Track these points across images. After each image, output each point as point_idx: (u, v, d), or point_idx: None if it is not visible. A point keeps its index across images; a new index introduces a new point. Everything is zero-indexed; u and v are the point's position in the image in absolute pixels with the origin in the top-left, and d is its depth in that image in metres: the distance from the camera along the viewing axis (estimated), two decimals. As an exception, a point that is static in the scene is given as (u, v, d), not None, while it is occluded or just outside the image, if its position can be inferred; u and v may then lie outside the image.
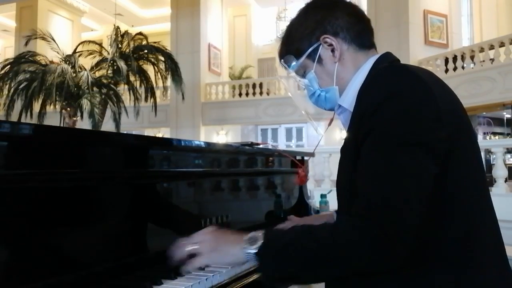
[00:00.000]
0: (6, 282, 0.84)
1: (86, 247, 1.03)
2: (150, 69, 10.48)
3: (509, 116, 13.18)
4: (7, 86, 9.87)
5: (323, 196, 2.12)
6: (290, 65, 1.07)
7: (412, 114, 0.81)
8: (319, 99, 1.06)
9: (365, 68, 0.99)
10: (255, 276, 1.14)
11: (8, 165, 0.88)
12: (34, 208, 0.92)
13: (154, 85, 10.60)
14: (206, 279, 1.04)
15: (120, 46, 10.29)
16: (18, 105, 9.75)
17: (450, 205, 0.85)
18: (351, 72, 1.01)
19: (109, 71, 10.09)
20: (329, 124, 1.26)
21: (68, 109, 9.62)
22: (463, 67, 9.83)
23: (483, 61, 9.48)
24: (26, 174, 0.90)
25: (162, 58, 10.35)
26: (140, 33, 10.72)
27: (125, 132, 6.32)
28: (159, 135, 14.00)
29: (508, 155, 12.24)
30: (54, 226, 0.96)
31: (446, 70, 9.95)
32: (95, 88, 9.68)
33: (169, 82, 11.03)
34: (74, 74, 9.42)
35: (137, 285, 1.02)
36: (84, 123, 9.37)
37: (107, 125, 9.72)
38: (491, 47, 9.35)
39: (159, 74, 10.42)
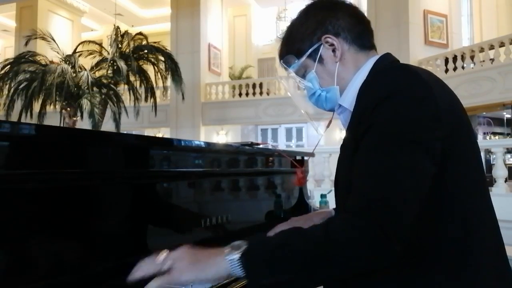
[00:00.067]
0: (6, 282, 0.84)
1: (86, 247, 1.03)
2: (150, 69, 10.48)
3: (509, 116, 13.18)
4: (7, 86, 9.87)
5: (323, 196, 2.12)
6: (291, 65, 1.07)
7: (412, 113, 0.82)
8: (319, 99, 1.06)
9: (366, 68, 0.99)
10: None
11: (8, 165, 0.88)
12: (34, 208, 0.92)
13: (154, 85, 10.60)
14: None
15: (120, 46, 10.29)
16: (18, 105, 9.74)
17: (449, 205, 0.85)
18: (352, 72, 1.02)
19: (109, 71, 10.09)
20: (328, 126, 1.26)
21: (68, 109, 9.62)
22: (463, 67, 9.83)
23: (483, 61, 9.48)
24: (26, 174, 0.90)
25: (162, 58, 10.35)
26: (140, 33, 10.72)
27: (125, 132, 6.32)
28: (159, 135, 14.01)
29: (508, 155, 12.24)
30: (54, 226, 0.96)
31: (446, 70, 9.95)
32: (95, 88, 9.68)
33: (169, 82, 11.03)
34: (74, 74, 9.42)
35: (137, 285, 1.02)
36: (84, 123, 9.37)
37: (107, 125, 9.72)
38: (491, 47, 9.35)
39: (159, 74, 10.42)
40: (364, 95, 0.90)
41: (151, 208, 1.26)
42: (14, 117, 9.63)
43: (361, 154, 0.84)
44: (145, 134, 13.48)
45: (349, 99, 1.00)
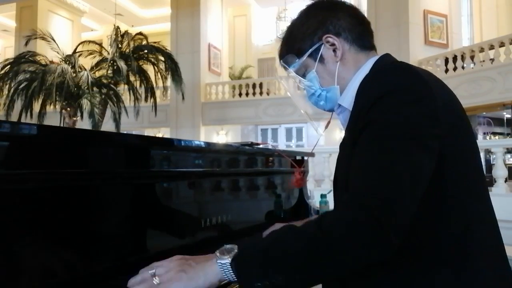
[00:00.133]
0: (6, 282, 0.84)
1: (86, 247, 1.03)
2: (150, 69, 10.48)
3: (509, 116, 13.19)
4: (7, 86, 9.87)
5: (323, 196, 2.12)
6: (291, 65, 1.07)
7: (410, 110, 0.82)
8: (319, 99, 1.06)
9: (365, 68, 1.00)
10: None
11: (8, 165, 0.88)
12: (34, 208, 0.92)
13: (154, 85, 10.60)
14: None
15: (120, 46, 10.29)
16: (18, 105, 9.75)
17: (448, 205, 0.85)
18: (352, 72, 1.02)
19: (109, 71, 10.09)
20: (326, 126, 1.26)
21: (68, 109, 9.62)
22: (463, 67, 9.83)
23: (483, 61, 9.48)
24: (26, 174, 0.90)
25: (162, 58, 10.36)
26: (140, 33, 10.73)
27: (125, 132, 6.32)
28: (159, 135, 14.01)
29: (508, 155, 12.24)
30: (54, 226, 0.96)
31: (446, 70, 9.95)
32: (95, 88, 9.69)
33: (169, 82, 11.03)
34: (74, 74, 9.42)
35: None
36: (84, 123, 9.37)
37: (107, 125, 9.72)
38: (491, 47, 9.35)
39: (159, 74, 10.43)
40: (363, 93, 0.90)
41: (151, 208, 1.26)
42: (14, 117, 9.64)
43: (359, 150, 0.84)
44: (145, 134, 13.48)
45: (348, 99, 1.01)
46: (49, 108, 9.87)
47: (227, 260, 0.76)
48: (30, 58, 9.96)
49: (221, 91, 13.87)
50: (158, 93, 11.77)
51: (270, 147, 2.76)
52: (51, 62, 9.83)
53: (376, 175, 0.78)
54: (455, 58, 9.97)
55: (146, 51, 10.43)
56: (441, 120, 0.83)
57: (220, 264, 0.77)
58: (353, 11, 1.05)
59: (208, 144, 1.58)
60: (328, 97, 1.05)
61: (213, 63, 14.04)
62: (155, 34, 14.65)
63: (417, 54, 10.42)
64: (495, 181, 5.68)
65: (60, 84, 9.03)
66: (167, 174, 1.35)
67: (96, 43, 10.90)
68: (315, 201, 2.24)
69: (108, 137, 1.23)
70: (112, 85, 9.98)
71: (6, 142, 0.87)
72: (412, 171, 0.78)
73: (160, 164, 1.35)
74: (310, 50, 1.03)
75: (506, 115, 13.27)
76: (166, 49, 10.70)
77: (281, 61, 1.10)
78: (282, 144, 14.46)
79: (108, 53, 10.32)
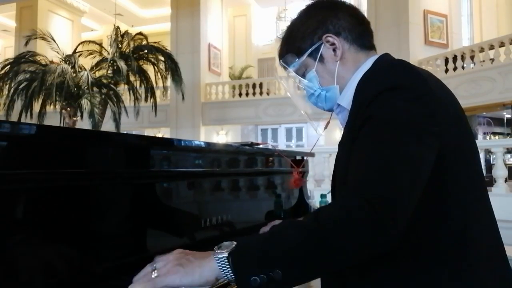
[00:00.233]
0: (7, 282, 0.84)
1: (86, 247, 1.03)
2: (150, 69, 10.49)
3: (509, 116, 13.19)
4: (7, 86, 9.88)
5: (323, 196, 2.12)
6: (291, 64, 1.07)
7: (409, 106, 0.81)
8: (319, 99, 1.06)
9: (365, 68, 1.00)
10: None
11: (8, 165, 0.88)
12: (34, 208, 0.92)
13: (154, 85, 10.61)
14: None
15: (120, 46, 10.29)
16: (18, 105, 9.75)
17: (447, 205, 0.85)
18: (351, 72, 1.02)
19: (109, 71, 10.10)
20: (326, 126, 1.26)
21: (68, 109, 9.62)
22: (463, 67, 9.84)
23: (483, 61, 9.49)
24: (26, 174, 0.90)
25: (162, 58, 10.36)
26: (140, 33, 10.73)
27: (125, 132, 6.32)
28: (159, 135, 14.01)
29: (508, 155, 12.25)
30: (54, 226, 0.96)
31: (446, 70, 9.95)
32: (95, 88, 9.69)
33: (169, 82, 11.04)
34: (74, 74, 9.42)
35: None
36: (84, 123, 9.37)
37: (107, 125, 9.73)
38: (491, 47, 9.35)
39: (159, 74, 10.43)
40: (362, 91, 0.90)
41: (151, 208, 1.26)
42: (14, 117, 9.64)
43: (357, 145, 0.83)
44: (145, 134, 13.48)
45: (347, 99, 1.01)
46: (49, 108, 9.88)
47: (224, 254, 0.75)
48: (30, 58, 9.97)
49: (221, 91, 13.87)
50: (158, 93, 11.77)
51: (270, 147, 2.76)
52: (51, 62, 9.83)
53: (374, 169, 0.77)
54: (455, 58, 9.97)
55: (146, 51, 10.44)
56: (439, 119, 0.83)
57: (217, 259, 0.75)
58: (353, 11, 1.05)
59: (208, 144, 1.58)
60: (328, 96, 1.05)
61: (213, 63, 14.05)
62: (155, 34, 14.65)
63: (417, 54, 10.42)
64: (495, 181, 5.68)
65: (60, 84, 9.03)
66: (167, 174, 1.35)
67: (96, 43, 10.91)
68: (315, 201, 2.24)
69: (108, 137, 1.23)
70: (112, 85, 9.98)
71: (6, 142, 0.87)
72: (411, 165, 0.77)
73: (160, 164, 1.35)
74: (310, 50, 1.03)
75: (506, 115, 13.27)
76: (166, 49, 10.71)
77: (281, 60, 1.09)
78: (282, 144, 14.46)
79: (108, 53, 10.32)
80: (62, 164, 0.99)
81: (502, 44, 9.20)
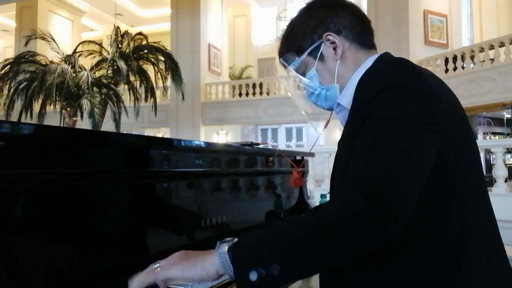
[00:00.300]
0: (7, 282, 0.84)
1: (86, 247, 1.03)
2: (150, 69, 10.48)
3: (509, 116, 13.19)
4: (7, 86, 9.88)
5: (323, 196, 2.12)
6: (291, 63, 1.06)
7: (410, 104, 0.81)
8: (319, 98, 1.05)
9: (365, 67, 0.99)
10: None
11: (8, 165, 0.88)
12: (34, 208, 0.92)
13: (154, 85, 10.60)
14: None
15: (120, 46, 10.29)
16: (18, 105, 9.75)
17: (447, 205, 0.85)
18: (352, 71, 1.02)
19: (109, 71, 10.09)
20: (326, 125, 1.26)
21: (68, 109, 9.62)
22: (463, 67, 9.83)
23: (483, 61, 9.48)
24: (26, 174, 0.90)
25: (162, 58, 10.36)
26: (140, 33, 10.72)
27: (125, 132, 6.32)
28: (159, 135, 14.01)
29: (508, 155, 12.24)
30: (54, 226, 0.96)
31: (446, 70, 9.95)
32: (95, 88, 9.69)
33: (169, 82, 11.03)
34: (74, 74, 9.42)
35: None
36: (84, 123, 9.37)
37: (107, 125, 9.72)
38: (491, 47, 9.35)
39: (159, 74, 10.42)
40: (362, 89, 0.89)
41: (151, 208, 1.26)
42: (14, 117, 9.63)
43: (358, 143, 0.83)
44: (145, 134, 13.48)
45: (347, 98, 1.00)
46: (49, 108, 9.87)
47: (225, 248, 0.77)
48: (30, 58, 9.96)
49: (221, 91, 13.87)
50: (158, 93, 11.77)
51: (270, 147, 2.76)
52: (51, 62, 9.83)
53: (373, 166, 0.77)
54: (455, 58, 9.97)
55: (146, 51, 10.43)
56: (440, 118, 0.83)
57: (218, 254, 0.77)
58: (354, 9, 1.05)
59: (208, 144, 1.58)
60: (328, 95, 1.04)
61: (213, 63, 14.04)
62: (155, 34, 14.65)
63: (417, 54, 10.41)
64: (495, 181, 5.67)
65: (60, 84, 9.02)
66: (167, 174, 1.35)
67: (96, 43, 10.90)
68: (315, 201, 2.24)
69: (108, 137, 1.23)
70: (112, 85, 9.98)
71: (6, 142, 0.87)
72: (411, 163, 0.77)
73: (160, 164, 1.35)
74: (310, 48, 1.02)
75: (506, 115, 13.27)
76: (166, 49, 10.70)
77: (281, 59, 1.09)
78: (282, 144, 14.45)
79: (108, 53, 10.32)
80: (62, 164, 0.99)
81: (502, 44, 9.20)
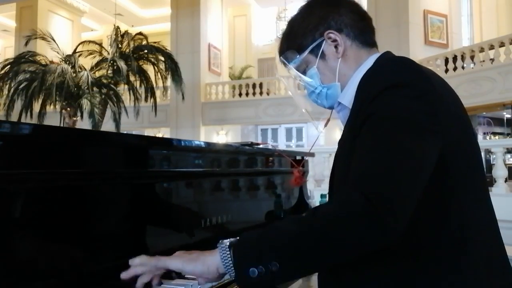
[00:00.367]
0: (6, 282, 0.84)
1: (86, 247, 1.03)
2: (150, 69, 10.48)
3: (509, 116, 13.18)
4: (7, 86, 9.88)
5: (323, 196, 2.12)
6: (291, 61, 1.05)
7: (411, 103, 0.81)
8: (319, 96, 1.05)
9: (367, 65, 0.98)
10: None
11: (8, 165, 0.88)
12: (33, 208, 0.92)
13: (154, 85, 10.60)
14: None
15: (120, 46, 10.29)
16: (18, 105, 9.75)
17: (448, 204, 0.84)
18: (353, 69, 1.01)
19: (109, 71, 10.09)
20: (325, 125, 1.25)
21: (68, 109, 9.62)
22: (463, 67, 9.83)
23: (483, 61, 9.48)
24: (26, 174, 0.90)
25: (162, 58, 10.35)
26: (140, 33, 10.72)
27: (125, 132, 6.32)
28: (159, 135, 14.00)
29: (508, 155, 12.24)
30: (54, 226, 0.96)
31: (446, 70, 9.94)
32: (95, 88, 9.69)
33: (169, 82, 11.03)
34: (74, 74, 9.42)
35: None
36: (84, 123, 9.37)
37: (107, 125, 9.72)
38: (491, 47, 9.35)
39: (159, 74, 10.42)
40: (364, 88, 0.89)
41: (151, 208, 1.26)
42: (14, 117, 9.63)
43: (359, 142, 0.83)
44: (145, 134, 13.48)
45: (348, 97, 0.99)
46: (49, 108, 9.87)
47: (226, 244, 0.78)
48: (30, 58, 9.96)
49: (221, 91, 13.86)
50: (158, 93, 11.77)
51: (270, 147, 2.76)
52: (51, 62, 9.83)
53: (373, 165, 0.77)
54: (455, 58, 9.97)
55: (146, 51, 10.43)
56: (441, 118, 0.83)
57: (220, 249, 0.78)
58: (355, 7, 1.04)
59: (208, 144, 1.58)
60: (329, 94, 1.03)
61: (213, 63, 14.04)
62: (155, 34, 14.64)
63: (417, 54, 10.41)
64: (495, 181, 5.67)
65: (60, 84, 9.02)
66: (167, 174, 1.35)
67: (96, 43, 10.90)
68: (315, 201, 2.24)
69: (108, 137, 1.23)
70: (112, 85, 9.98)
71: (6, 142, 0.87)
72: (412, 162, 0.77)
73: (160, 164, 1.35)
74: (311, 46, 1.02)
75: (506, 115, 13.26)
76: (166, 49, 10.70)
77: (281, 57, 1.08)
78: (282, 144, 14.44)
79: (108, 53, 10.31)
80: (62, 164, 0.99)
81: (502, 44, 9.19)
